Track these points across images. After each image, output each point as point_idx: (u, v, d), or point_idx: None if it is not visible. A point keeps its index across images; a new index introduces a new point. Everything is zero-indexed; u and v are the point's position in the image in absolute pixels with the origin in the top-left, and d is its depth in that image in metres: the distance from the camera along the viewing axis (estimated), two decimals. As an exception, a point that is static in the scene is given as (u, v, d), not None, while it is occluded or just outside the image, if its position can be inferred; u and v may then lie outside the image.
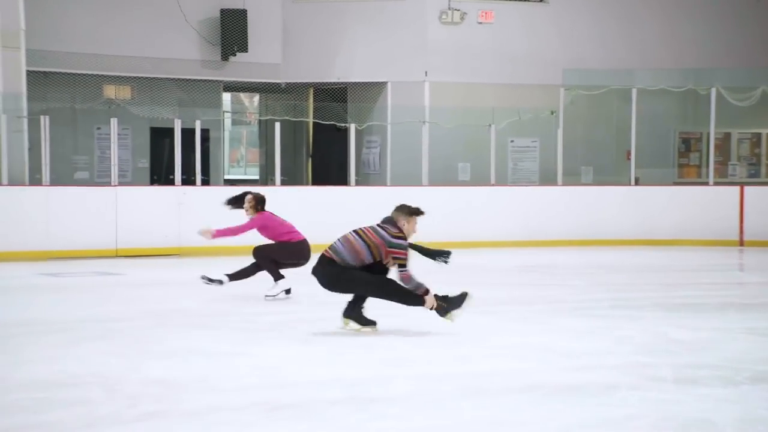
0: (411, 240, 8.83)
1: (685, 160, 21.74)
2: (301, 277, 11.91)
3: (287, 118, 19.62)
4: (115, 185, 16.55)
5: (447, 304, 8.75)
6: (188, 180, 17.31)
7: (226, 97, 25.29)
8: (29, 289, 12.41)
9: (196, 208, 16.36)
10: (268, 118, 22.21)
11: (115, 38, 19.43)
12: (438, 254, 9.05)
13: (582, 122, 20.43)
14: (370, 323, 8.87)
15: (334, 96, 20.90)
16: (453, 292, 8.81)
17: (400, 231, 8.74)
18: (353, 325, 8.85)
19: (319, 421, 5.91)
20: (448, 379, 6.99)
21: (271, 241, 11.16)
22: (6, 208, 15.49)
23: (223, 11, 19.99)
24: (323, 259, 8.74)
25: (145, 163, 20.61)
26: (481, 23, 20.91)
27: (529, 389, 6.68)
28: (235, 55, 20.07)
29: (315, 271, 8.80)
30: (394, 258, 8.63)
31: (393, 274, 8.71)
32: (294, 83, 21.30)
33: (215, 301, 11.05)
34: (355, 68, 20.86)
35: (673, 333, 8.94)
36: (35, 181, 16.65)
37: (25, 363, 7.59)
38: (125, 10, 19.59)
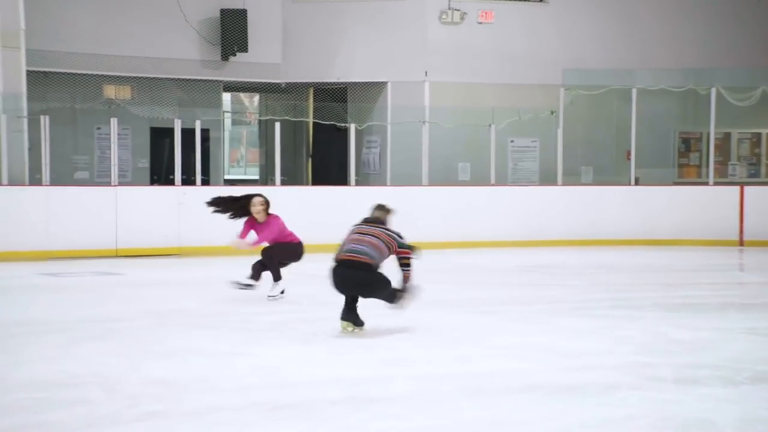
0: None
1: (685, 160, 21.74)
2: (300, 278, 11.94)
3: (287, 118, 19.62)
4: (115, 185, 16.55)
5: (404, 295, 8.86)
6: (188, 180, 17.31)
7: (226, 97, 25.30)
8: (29, 289, 12.41)
9: (196, 208, 16.22)
10: (268, 118, 22.21)
11: (115, 38, 19.43)
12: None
13: (582, 122, 20.43)
14: (361, 324, 8.88)
15: (334, 96, 20.90)
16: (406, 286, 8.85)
17: None
18: (349, 327, 8.84)
19: (319, 421, 5.91)
20: (448, 379, 6.99)
21: (275, 242, 11.15)
22: (6, 208, 15.49)
23: (223, 11, 19.99)
24: (357, 263, 8.59)
25: (145, 163, 20.61)
26: (481, 23, 20.92)
27: (529, 389, 6.68)
28: (235, 55, 20.07)
29: (353, 276, 8.60)
30: (404, 257, 8.74)
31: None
32: (294, 83, 21.31)
33: (215, 301, 11.05)
34: (355, 68, 20.86)
35: (673, 333, 8.94)
36: (35, 181, 16.64)
37: (25, 363, 7.59)
38: (125, 10, 19.59)
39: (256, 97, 27.30)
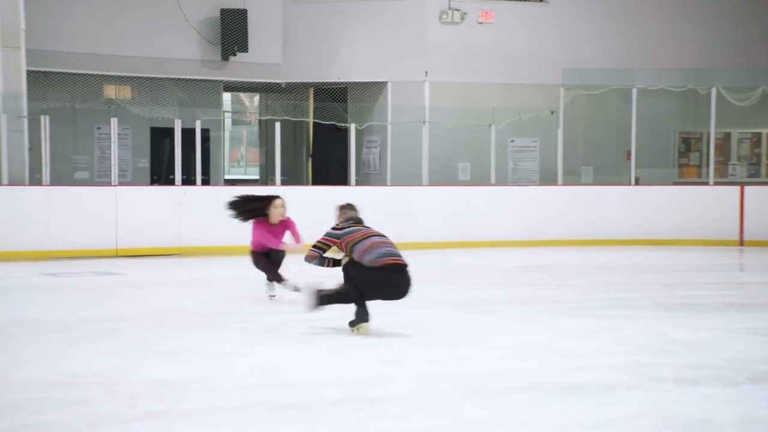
0: None
1: (686, 160, 21.75)
2: (300, 278, 11.91)
3: (287, 118, 19.62)
4: (115, 185, 16.55)
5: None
6: (188, 180, 17.32)
7: (227, 96, 25.29)
8: (29, 289, 12.41)
9: (196, 208, 16.38)
10: (268, 118, 22.21)
11: (115, 38, 19.43)
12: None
13: (582, 122, 20.44)
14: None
15: (334, 96, 20.90)
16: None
17: None
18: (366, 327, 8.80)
19: (319, 421, 5.91)
20: (448, 379, 6.99)
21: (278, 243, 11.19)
22: (6, 208, 15.49)
23: (223, 11, 19.99)
24: (405, 266, 8.65)
25: (145, 162, 20.61)
26: (481, 23, 20.92)
27: (529, 389, 6.68)
28: (236, 54, 20.07)
29: (409, 280, 8.63)
30: None
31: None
32: (294, 83, 21.30)
33: (215, 301, 11.06)
34: (356, 68, 20.86)
35: (674, 333, 8.94)
36: (35, 180, 16.64)
37: (25, 363, 7.59)
38: (125, 10, 19.59)
39: (257, 97, 27.30)
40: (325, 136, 21.56)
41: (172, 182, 17.48)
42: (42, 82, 18.23)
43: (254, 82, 21.32)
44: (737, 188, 18.83)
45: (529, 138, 20.70)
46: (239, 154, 38.20)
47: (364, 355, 7.96)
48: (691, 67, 21.14)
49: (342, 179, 19.43)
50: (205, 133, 19.10)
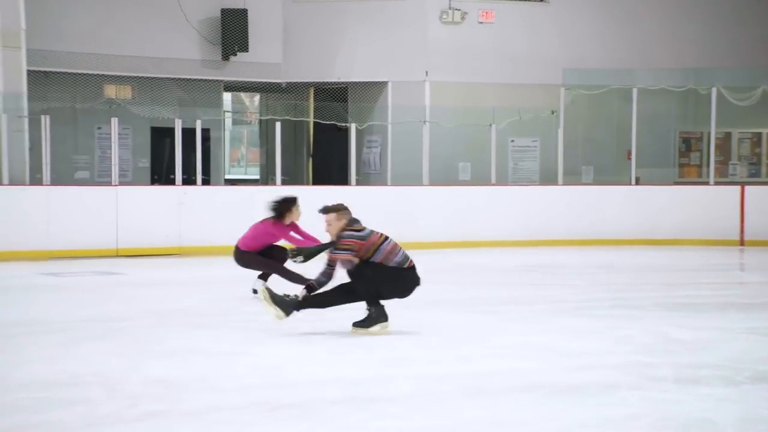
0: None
1: (686, 159, 21.75)
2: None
3: (288, 117, 19.62)
4: (115, 185, 16.55)
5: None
6: (189, 180, 17.32)
7: (227, 96, 25.30)
8: (29, 289, 12.41)
9: (197, 208, 16.39)
10: (268, 117, 22.20)
11: (116, 38, 19.43)
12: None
13: (582, 122, 20.44)
14: None
15: (334, 96, 20.90)
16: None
17: None
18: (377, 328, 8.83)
19: (319, 421, 5.91)
20: (448, 379, 6.99)
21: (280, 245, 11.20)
22: (6, 207, 15.49)
23: (223, 11, 19.99)
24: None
25: (145, 162, 20.62)
26: (481, 23, 20.92)
27: (529, 389, 6.68)
28: (236, 54, 20.07)
29: (418, 281, 8.86)
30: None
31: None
32: (294, 83, 21.31)
33: (215, 300, 11.06)
34: (356, 68, 20.86)
35: (674, 333, 8.93)
36: (36, 180, 16.65)
37: (25, 363, 7.59)
38: (125, 10, 19.59)
39: (257, 97, 27.31)
40: (325, 135, 21.56)
41: (172, 182, 17.48)
42: (42, 81, 18.24)
43: (254, 82, 21.32)
44: (738, 188, 18.83)
45: (530, 138, 20.70)
46: (240, 154, 38.21)
47: (364, 355, 7.96)
48: (691, 67, 21.14)
49: (342, 179, 19.44)
50: (206, 132, 19.09)
